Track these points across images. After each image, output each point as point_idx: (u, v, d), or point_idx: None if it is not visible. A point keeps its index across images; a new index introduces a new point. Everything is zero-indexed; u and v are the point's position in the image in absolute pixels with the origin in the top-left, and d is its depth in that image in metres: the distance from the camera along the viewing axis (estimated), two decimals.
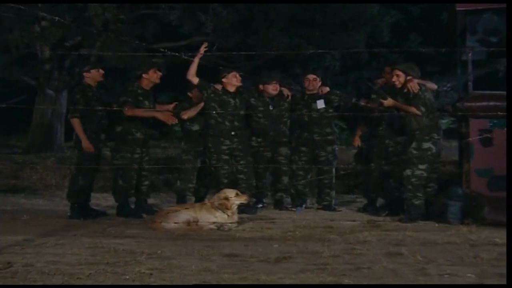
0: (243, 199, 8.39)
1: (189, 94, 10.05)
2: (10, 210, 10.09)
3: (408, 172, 8.85)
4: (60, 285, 5.27)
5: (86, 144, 9.12)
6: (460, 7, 8.96)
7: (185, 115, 9.75)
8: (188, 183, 9.82)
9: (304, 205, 10.16)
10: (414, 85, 8.78)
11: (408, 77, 8.91)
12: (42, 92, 18.02)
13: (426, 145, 8.84)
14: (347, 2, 16.65)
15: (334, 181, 10.23)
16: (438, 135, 8.90)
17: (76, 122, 9.11)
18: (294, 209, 9.96)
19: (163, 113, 9.30)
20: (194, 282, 5.36)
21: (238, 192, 8.44)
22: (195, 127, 9.93)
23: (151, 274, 5.62)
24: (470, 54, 8.91)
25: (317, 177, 10.46)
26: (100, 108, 9.17)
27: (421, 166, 8.83)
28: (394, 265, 6.00)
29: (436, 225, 8.47)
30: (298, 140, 10.21)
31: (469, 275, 5.64)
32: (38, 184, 12.96)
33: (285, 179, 10.20)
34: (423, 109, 8.79)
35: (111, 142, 9.70)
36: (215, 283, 5.33)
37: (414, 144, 8.87)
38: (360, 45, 18.02)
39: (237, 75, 9.70)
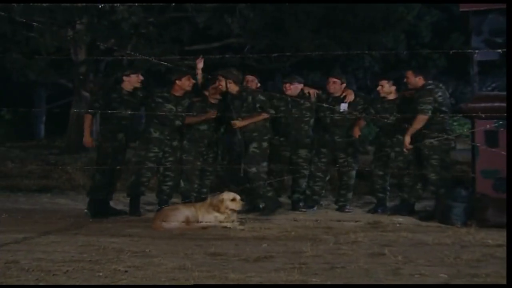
0: (236, 206, 8.48)
1: (205, 93, 10.03)
2: (28, 209, 10.39)
3: (254, 169, 9.43)
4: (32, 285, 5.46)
5: (86, 139, 9.49)
6: (463, 8, 8.88)
7: (189, 121, 9.89)
8: (192, 184, 9.87)
9: (315, 207, 10.18)
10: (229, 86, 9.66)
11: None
12: (78, 94, 18.38)
13: (265, 144, 9.61)
14: (376, 2, 16.56)
15: (352, 183, 10.22)
16: (269, 134, 9.68)
17: (87, 118, 9.51)
18: (305, 210, 10.00)
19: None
20: (163, 279, 5.49)
21: (236, 197, 8.51)
22: (203, 126, 9.93)
23: (125, 271, 5.76)
24: (475, 55, 8.81)
25: (337, 178, 10.56)
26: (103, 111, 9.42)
27: (263, 164, 9.55)
28: (370, 265, 6.03)
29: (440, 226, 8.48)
30: (319, 142, 10.23)
31: (441, 275, 5.64)
32: (66, 184, 13.21)
33: (303, 182, 10.22)
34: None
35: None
36: (184, 280, 5.44)
37: (255, 144, 9.58)
38: (399, 45, 17.96)
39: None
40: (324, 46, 15.82)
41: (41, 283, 5.38)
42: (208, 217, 8.36)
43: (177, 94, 9.79)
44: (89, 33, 15.76)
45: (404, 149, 9.13)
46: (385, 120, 9.80)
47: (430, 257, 6.42)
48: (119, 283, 5.39)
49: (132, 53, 14.31)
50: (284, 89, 10.18)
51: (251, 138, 9.59)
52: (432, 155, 9.18)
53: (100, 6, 14.73)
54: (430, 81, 9.30)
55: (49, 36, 15.25)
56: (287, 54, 15.53)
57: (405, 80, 9.46)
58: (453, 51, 8.98)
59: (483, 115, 7.90)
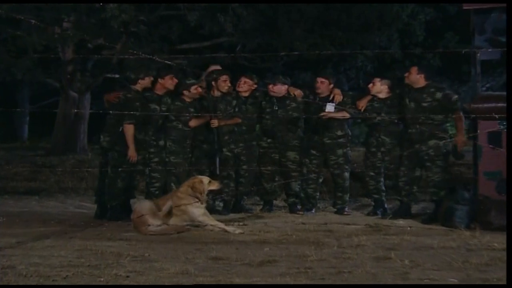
0: (215, 186, 8.60)
1: (184, 92, 9.81)
2: (17, 212, 10.12)
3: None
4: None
5: (132, 152, 9.21)
6: (466, 6, 8.75)
7: (195, 123, 9.77)
8: None
9: (313, 209, 10.03)
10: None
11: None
12: (65, 94, 18.11)
13: None
14: (371, 2, 16.44)
15: (347, 184, 10.05)
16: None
17: (130, 129, 9.21)
18: (302, 213, 9.84)
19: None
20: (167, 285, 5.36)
21: (210, 180, 8.62)
22: (184, 126, 9.74)
23: (127, 276, 5.63)
24: (478, 54, 8.67)
25: (330, 180, 10.41)
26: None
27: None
28: (377, 269, 5.90)
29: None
30: (308, 143, 10.09)
31: (451, 280, 5.53)
32: (54, 187, 12.99)
33: (295, 185, 10.04)
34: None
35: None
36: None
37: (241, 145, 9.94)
38: (392, 44, 17.90)
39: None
40: (318, 45, 15.67)
41: None
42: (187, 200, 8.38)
43: (159, 93, 9.63)
44: (78, 31, 15.51)
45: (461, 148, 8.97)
46: (373, 120, 9.75)
47: (437, 261, 6.29)
48: None
49: (132, 51, 14.03)
50: (268, 90, 10.05)
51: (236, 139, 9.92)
52: (438, 156, 9.08)
53: (100, 4, 14.55)
54: (432, 82, 9.32)
55: (36, 35, 15.04)
56: (281, 54, 15.44)
57: (406, 74, 9.32)
58: (457, 50, 8.78)
59: (496, 116, 7.75)
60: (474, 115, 8.50)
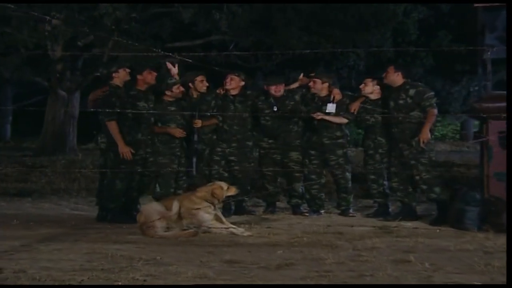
0: (233, 191, 8.50)
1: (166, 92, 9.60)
2: (13, 214, 9.79)
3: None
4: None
5: (123, 148, 8.94)
6: (477, 4, 8.65)
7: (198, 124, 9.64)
8: (168, 188, 9.48)
9: (321, 210, 9.87)
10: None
11: None
12: (54, 93, 17.91)
13: None
14: (367, 2, 16.38)
15: (350, 185, 9.88)
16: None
17: (113, 125, 8.93)
18: (307, 214, 9.69)
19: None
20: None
21: (228, 185, 8.51)
22: (172, 126, 9.56)
23: (144, 280, 5.49)
24: (489, 53, 8.55)
25: (332, 181, 10.30)
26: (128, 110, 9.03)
27: None
28: (399, 272, 5.81)
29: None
30: (307, 144, 9.93)
31: (476, 283, 5.41)
32: (46, 188, 12.67)
33: (298, 186, 9.90)
34: None
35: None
36: None
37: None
38: (385, 43, 17.86)
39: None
40: (313, 44, 15.56)
41: None
42: (202, 205, 8.21)
43: (142, 89, 9.43)
44: (69, 28, 15.29)
45: (423, 142, 8.83)
46: (367, 122, 9.65)
47: (458, 264, 6.20)
48: None
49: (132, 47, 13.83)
50: (271, 91, 9.85)
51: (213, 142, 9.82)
52: (422, 154, 8.96)
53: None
54: (409, 80, 9.27)
55: (26, 32, 14.81)
56: (273, 52, 15.31)
57: (384, 75, 9.26)
58: (469, 48, 8.70)
59: None
60: (485, 115, 8.40)
